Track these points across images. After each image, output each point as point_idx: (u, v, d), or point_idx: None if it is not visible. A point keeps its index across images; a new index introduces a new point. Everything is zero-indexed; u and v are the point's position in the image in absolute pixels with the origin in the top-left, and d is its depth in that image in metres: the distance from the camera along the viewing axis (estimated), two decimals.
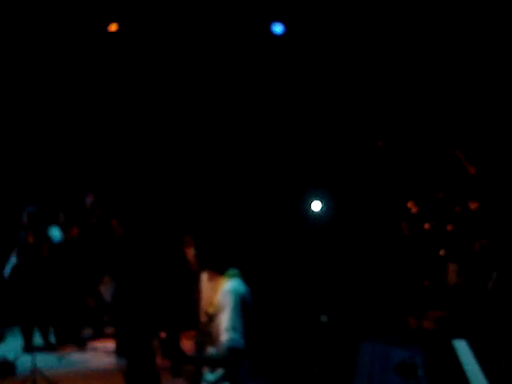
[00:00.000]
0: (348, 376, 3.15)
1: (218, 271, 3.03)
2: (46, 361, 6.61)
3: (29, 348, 6.85)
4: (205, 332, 2.98)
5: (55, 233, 7.55)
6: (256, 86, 8.63)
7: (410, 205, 6.58)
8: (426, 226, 6.40)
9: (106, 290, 7.52)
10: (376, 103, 7.73)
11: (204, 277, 3.18)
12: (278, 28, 7.82)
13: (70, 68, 8.74)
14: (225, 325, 2.85)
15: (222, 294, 2.91)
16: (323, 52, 8.03)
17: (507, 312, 4.64)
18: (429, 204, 6.64)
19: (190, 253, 3.04)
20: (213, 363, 2.94)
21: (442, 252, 6.18)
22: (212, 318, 2.93)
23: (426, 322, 5.69)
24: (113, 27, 8.10)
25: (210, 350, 2.96)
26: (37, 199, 7.52)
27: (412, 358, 3.18)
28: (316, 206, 7.62)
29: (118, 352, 6.64)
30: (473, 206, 6.36)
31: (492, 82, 7.02)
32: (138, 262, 4.61)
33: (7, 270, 7.16)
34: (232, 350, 2.82)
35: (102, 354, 7.11)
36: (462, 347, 3.41)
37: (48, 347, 7.38)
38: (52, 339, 7.60)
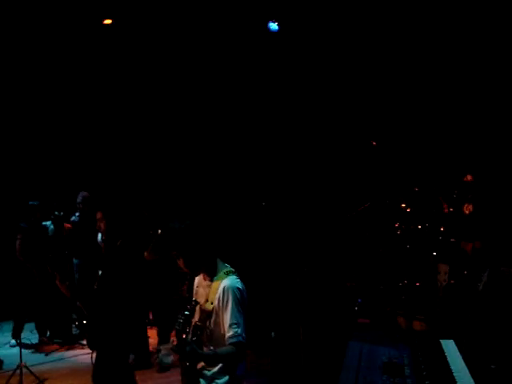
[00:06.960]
0: (334, 374, 3.12)
1: (211, 273, 2.98)
2: (33, 357, 6.58)
3: (17, 344, 6.79)
4: (198, 329, 2.91)
5: (50, 227, 7.50)
6: (251, 84, 8.60)
7: (403, 205, 6.57)
8: (419, 226, 6.38)
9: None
10: (370, 102, 7.72)
11: (198, 276, 3.11)
12: (273, 26, 7.80)
13: (65, 66, 8.69)
14: (228, 321, 2.82)
15: (222, 290, 2.87)
16: (318, 50, 8.02)
17: (497, 314, 4.62)
18: (422, 205, 6.63)
19: (181, 261, 2.97)
20: (216, 359, 2.87)
21: (433, 254, 6.18)
22: (210, 314, 2.89)
23: (416, 323, 5.68)
24: (107, 21, 8.04)
25: (208, 347, 2.90)
26: (33, 195, 7.46)
27: (399, 357, 3.16)
28: None
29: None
30: (467, 208, 6.38)
31: (486, 82, 7.01)
32: (119, 257, 4.47)
33: None
34: (237, 344, 2.80)
35: (89, 350, 7.05)
36: (449, 347, 3.38)
37: (38, 343, 7.34)
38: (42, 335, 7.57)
